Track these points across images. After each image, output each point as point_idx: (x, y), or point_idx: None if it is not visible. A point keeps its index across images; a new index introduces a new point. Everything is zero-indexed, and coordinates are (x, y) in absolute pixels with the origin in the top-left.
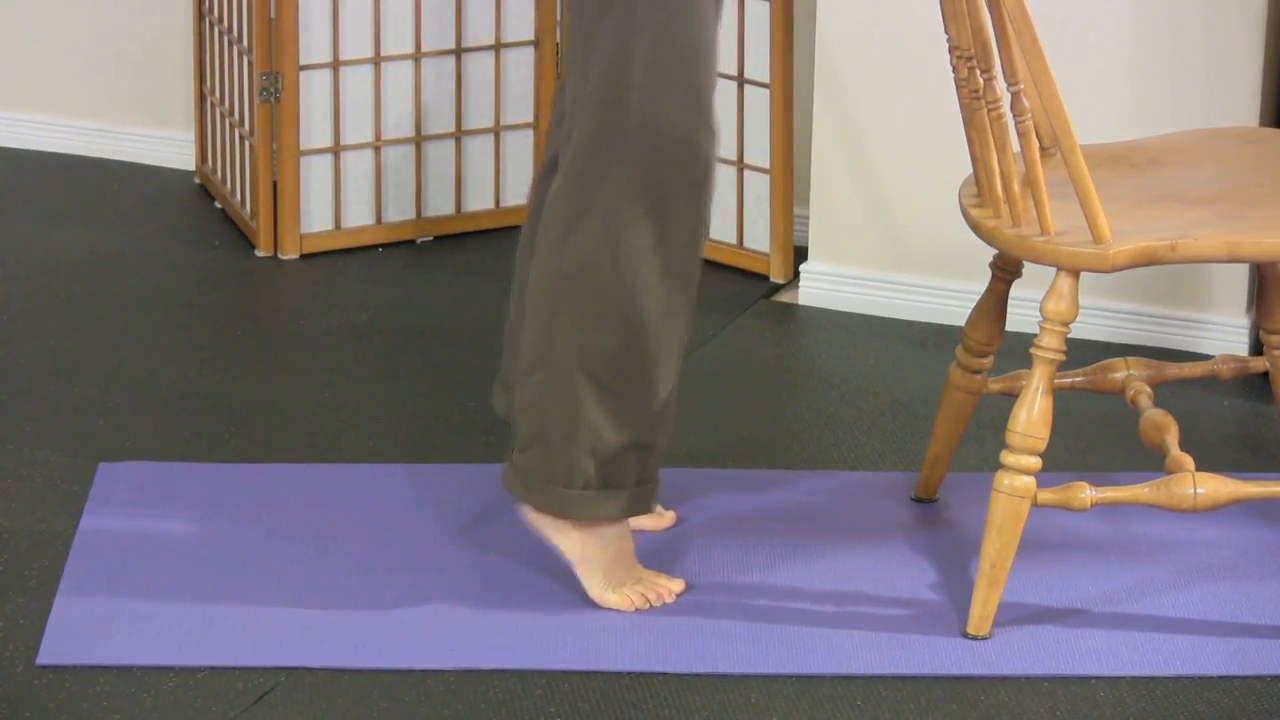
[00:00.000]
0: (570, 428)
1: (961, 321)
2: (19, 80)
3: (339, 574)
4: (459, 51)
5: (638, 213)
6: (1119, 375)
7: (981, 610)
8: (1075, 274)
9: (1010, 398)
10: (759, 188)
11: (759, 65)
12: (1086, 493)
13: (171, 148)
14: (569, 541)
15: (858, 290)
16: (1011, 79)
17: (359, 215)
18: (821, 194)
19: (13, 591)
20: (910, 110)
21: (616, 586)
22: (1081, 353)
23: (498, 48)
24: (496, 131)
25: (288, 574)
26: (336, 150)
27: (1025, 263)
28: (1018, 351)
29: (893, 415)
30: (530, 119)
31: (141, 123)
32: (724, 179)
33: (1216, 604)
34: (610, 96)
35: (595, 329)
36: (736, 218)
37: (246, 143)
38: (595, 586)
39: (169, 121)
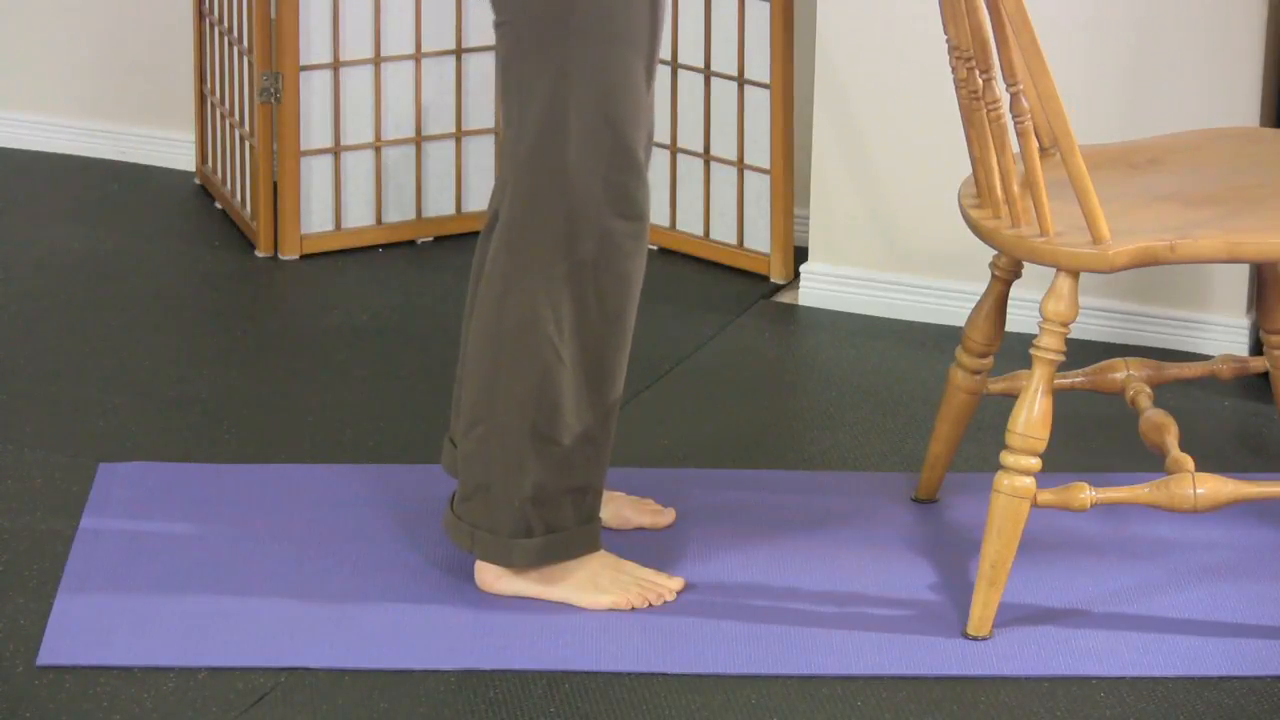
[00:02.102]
0: (512, 477)
1: (962, 322)
2: (19, 80)
3: (339, 574)
4: (459, 52)
5: (573, 270)
6: (1119, 375)
7: (981, 611)
8: (1075, 274)
9: (1010, 398)
10: (759, 188)
11: (759, 65)
12: (1086, 493)
13: (171, 148)
14: (529, 586)
15: (858, 290)
16: (1010, 79)
17: (359, 216)
18: (821, 194)
19: (13, 591)
20: (910, 110)
21: (605, 589)
22: (1081, 353)
23: None
24: (496, 132)
25: (288, 574)
26: (336, 150)
27: (1025, 263)
28: (1018, 352)
29: (893, 415)
30: None
31: (141, 123)
32: (724, 179)
33: (1216, 604)
34: (545, 156)
35: (535, 384)
36: (736, 218)
37: (247, 143)
38: (584, 598)
39: (169, 121)
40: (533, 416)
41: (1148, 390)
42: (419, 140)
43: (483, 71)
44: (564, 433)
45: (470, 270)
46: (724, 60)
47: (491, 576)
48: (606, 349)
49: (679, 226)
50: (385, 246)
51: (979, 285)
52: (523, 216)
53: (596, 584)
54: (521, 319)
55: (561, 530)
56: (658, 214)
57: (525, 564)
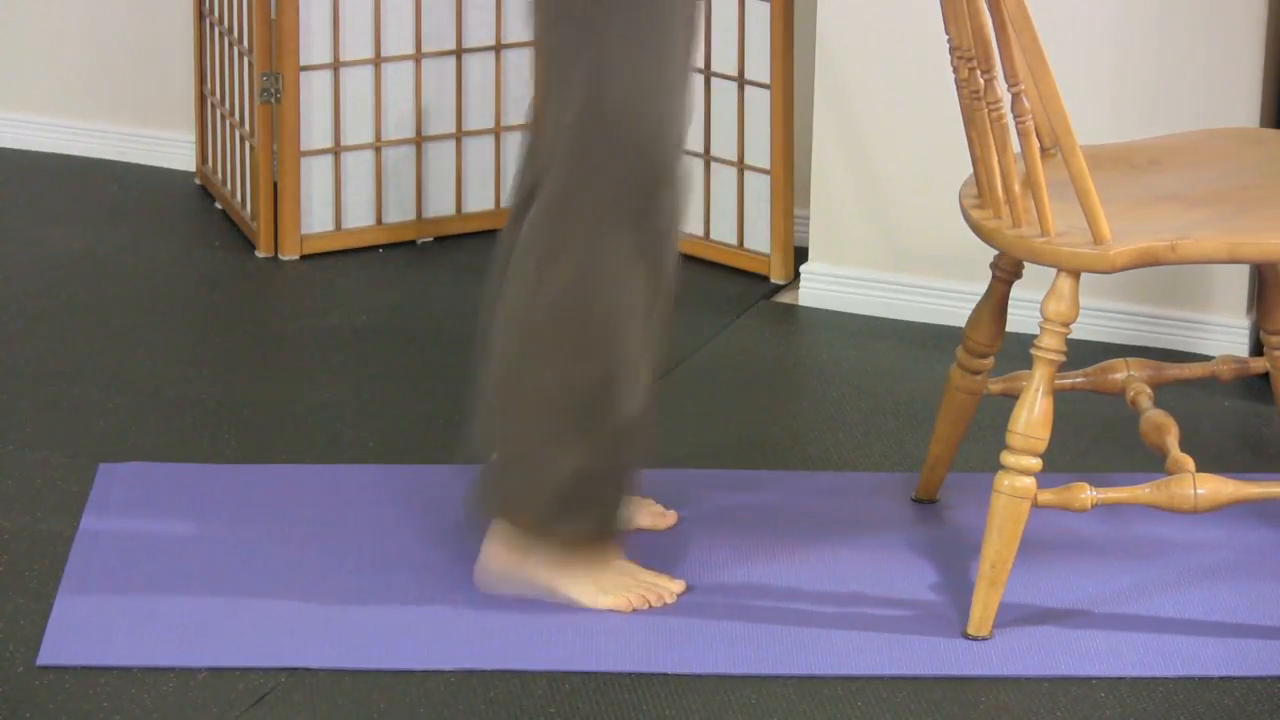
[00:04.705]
0: (543, 454)
1: (962, 322)
2: (19, 80)
3: (339, 574)
4: (459, 52)
5: (613, 246)
6: (1119, 376)
7: (982, 611)
8: (1076, 275)
9: (1011, 398)
10: (759, 188)
11: (759, 65)
12: (1087, 493)
13: (171, 148)
14: (532, 583)
15: (858, 291)
16: (1012, 79)
17: (359, 216)
18: (821, 194)
19: (13, 592)
20: (910, 110)
21: (608, 590)
22: (1082, 353)
23: (498, 48)
24: (496, 132)
25: (288, 574)
26: (337, 151)
27: (1026, 263)
28: (1018, 352)
29: (893, 416)
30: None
31: (141, 123)
32: (724, 179)
33: (1216, 604)
34: (585, 134)
35: (571, 359)
36: (737, 218)
37: (247, 143)
38: (586, 594)
39: (169, 122)
40: (565, 393)
41: (1148, 391)
42: (419, 140)
43: (483, 71)
44: (599, 408)
45: (473, 272)
46: (724, 60)
47: (494, 579)
48: (646, 324)
49: None
50: (385, 246)
51: (979, 285)
52: (563, 188)
53: (599, 584)
54: (559, 291)
55: (592, 510)
56: None
57: (554, 542)
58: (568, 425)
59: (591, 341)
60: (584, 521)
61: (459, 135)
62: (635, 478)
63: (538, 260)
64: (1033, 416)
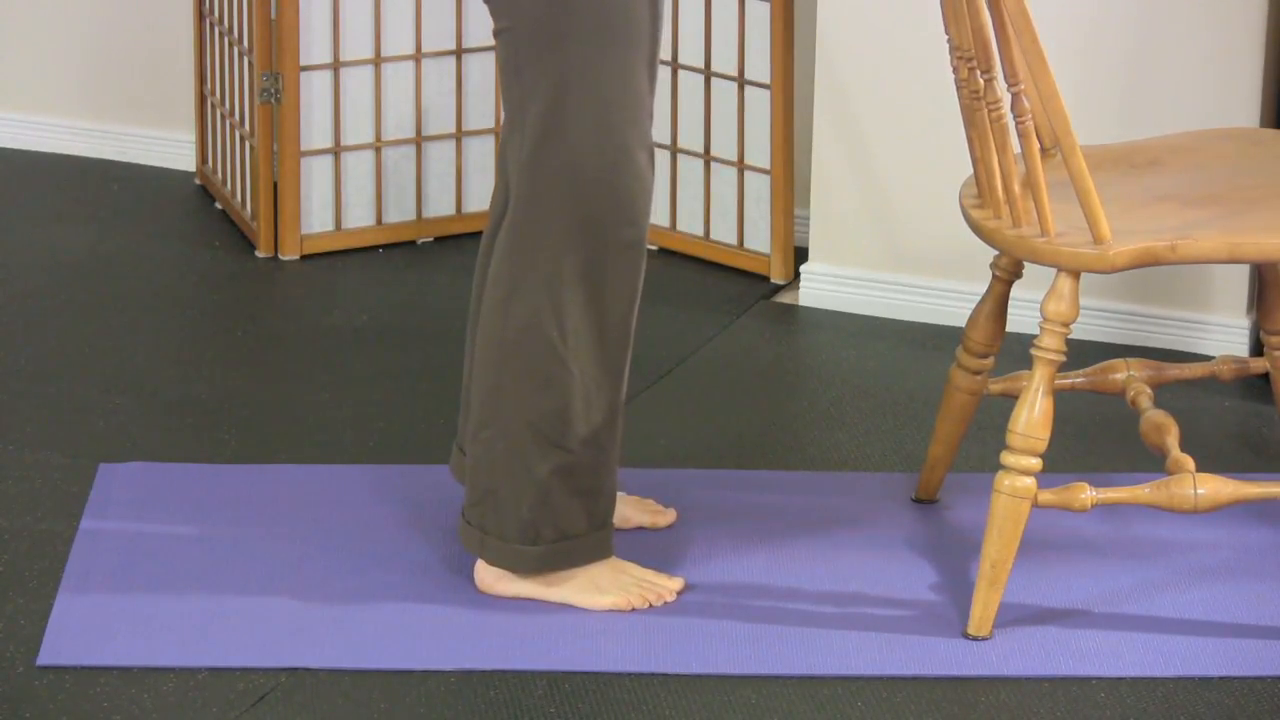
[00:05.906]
0: (520, 483)
1: (962, 322)
2: (19, 80)
3: (339, 574)
4: (459, 52)
5: (576, 274)
6: (1119, 376)
7: (982, 611)
8: (1076, 275)
9: (1011, 399)
10: (759, 188)
11: (759, 65)
12: (1087, 493)
13: (172, 148)
14: (530, 588)
15: (858, 291)
16: (1012, 80)
17: (359, 216)
18: (821, 194)
19: (13, 591)
20: (910, 110)
21: (605, 590)
22: (1082, 353)
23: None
24: (497, 132)
25: (288, 574)
26: (337, 151)
27: (1026, 263)
28: (1018, 352)
29: (893, 416)
30: None
31: (142, 123)
32: (724, 179)
33: (1216, 604)
34: (545, 161)
35: (540, 388)
36: (737, 218)
37: (247, 143)
38: (584, 599)
39: (169, 122)
40: (537, 421)
41: (1148, 391)
42: (419, 140)
43: (483, 71)
44: (569, 437)
45: (472, 273)
46: (724, 60)
47: (491, 578)
48: (609, 352)
49: (679, 226)
50: (385, 247)
51: (979, 285)
52: (525, 222)
53: (597, 585)
54: (525, 324)
55: (573, 536)
56: (658, 214)
57: (534, 570)
58: (535, 455)
59: (554, 371)
60: (555, 559)
61: (459, 135)
62: (607, 505)
63: (503, 293)
64: (1033, 416)
